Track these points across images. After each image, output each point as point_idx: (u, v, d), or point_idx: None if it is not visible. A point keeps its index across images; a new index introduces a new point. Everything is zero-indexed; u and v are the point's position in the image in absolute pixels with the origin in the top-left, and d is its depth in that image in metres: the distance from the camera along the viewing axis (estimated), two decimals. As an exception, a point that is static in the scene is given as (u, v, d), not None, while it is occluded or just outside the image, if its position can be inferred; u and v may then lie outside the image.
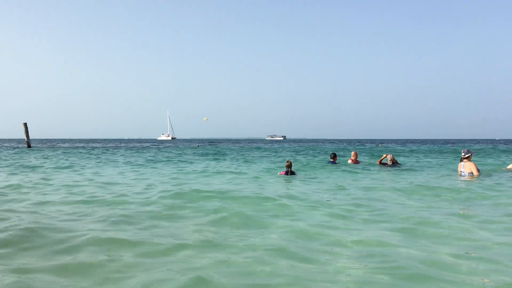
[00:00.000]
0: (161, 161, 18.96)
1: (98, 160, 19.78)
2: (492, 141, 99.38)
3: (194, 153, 28.76)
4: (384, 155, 14.85)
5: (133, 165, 16.59)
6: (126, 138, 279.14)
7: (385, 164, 14.35)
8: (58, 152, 29.71)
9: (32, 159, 20.61)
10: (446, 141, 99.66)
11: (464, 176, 11.04)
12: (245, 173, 12.42)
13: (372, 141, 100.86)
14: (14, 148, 38.39)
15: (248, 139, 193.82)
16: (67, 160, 19.93)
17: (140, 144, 64.17)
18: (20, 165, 16.13)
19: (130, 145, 56.41)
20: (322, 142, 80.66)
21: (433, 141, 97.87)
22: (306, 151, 33.31)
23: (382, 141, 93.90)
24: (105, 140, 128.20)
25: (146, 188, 8.72)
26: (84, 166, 15.78)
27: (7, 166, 15.34)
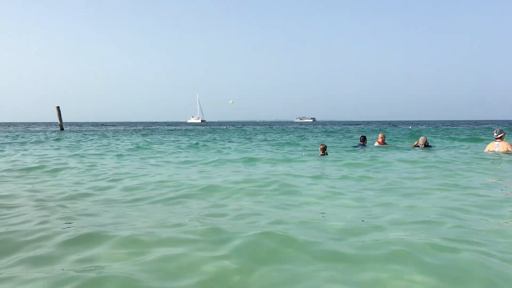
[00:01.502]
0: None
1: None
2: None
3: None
4: (416, 142, 14.41)
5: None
6: (154, 121, 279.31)
7: (417, 147, 13.96)
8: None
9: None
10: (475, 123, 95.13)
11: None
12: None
13: (408, 123, 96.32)
14: (51, 131, 39.75)
15: (276, 122, 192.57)
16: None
17: (185, 127, 62.49)
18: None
19: (178, 127, 55.35)
20: (356, 124, 78.99)
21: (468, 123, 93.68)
22: (336, 134, 32.71)
23: (418, 123, 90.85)
24: (135, 123, 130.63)
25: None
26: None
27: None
